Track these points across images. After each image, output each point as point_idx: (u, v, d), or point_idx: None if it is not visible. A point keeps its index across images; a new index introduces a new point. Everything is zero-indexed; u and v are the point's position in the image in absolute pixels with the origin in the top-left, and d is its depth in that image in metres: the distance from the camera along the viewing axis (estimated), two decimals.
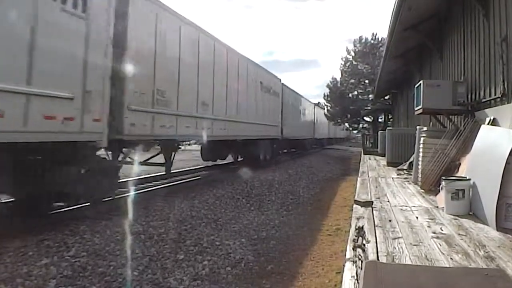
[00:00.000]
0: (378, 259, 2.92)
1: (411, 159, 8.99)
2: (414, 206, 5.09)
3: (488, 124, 5.48)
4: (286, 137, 20.10)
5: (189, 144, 14.93)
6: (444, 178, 4.91)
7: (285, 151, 23.98)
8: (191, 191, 9.03)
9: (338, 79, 34.14)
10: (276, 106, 18.22)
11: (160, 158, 9.61)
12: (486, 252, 3.10)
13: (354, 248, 3.13)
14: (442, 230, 3.82)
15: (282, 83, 19.87)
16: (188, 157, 17.47)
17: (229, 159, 15.79)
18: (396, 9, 8.00)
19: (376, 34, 31.76)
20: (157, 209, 7.04)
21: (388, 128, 14.01)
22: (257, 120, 14.80)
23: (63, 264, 4.22)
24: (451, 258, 2.94)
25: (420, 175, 6.70)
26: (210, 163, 15.07)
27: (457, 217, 4.34)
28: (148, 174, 10.43)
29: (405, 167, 9.72)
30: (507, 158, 3.80)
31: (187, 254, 5.08)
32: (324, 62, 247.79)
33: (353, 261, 2.84)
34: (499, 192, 3.78)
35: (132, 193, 7.73)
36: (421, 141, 7.03)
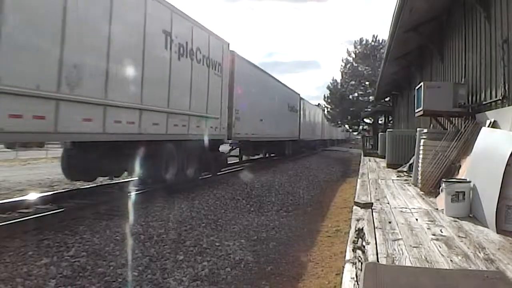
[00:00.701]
0: (378, 260, 2.92)
1: (411, 161, 8.99)
2: (414, 208, 5.08)
3: (488, 126, 5.48)
4: (242, 138, 13.66)
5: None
6: (444, 180, 4.91)
7: (259, 156, 18.67)
8: (191, 192, 9.03)
9: (339, 80, 34.21)
10: (215, 85, 10.63)
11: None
12: (486, 254, 3.09)
13: (354, 250, 3.13)
14: (442, 232, 3.82)
15: (232, 51, 12.10)
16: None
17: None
18: (397, 11, 8.01)
19: (376, 36, 31.84)
20: (157, 210, 7.05)
21: (388, 130, 14.02)
22: (157, 103, 7.83)
23: (63, 264, 4.22)
24: (451, 260, 2.94)
25: (420, 177, 6.70)
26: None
27: (457, 219, 4.34)
28: None
29: (405, 169, 9.73)
30: (508, 160, 3.80)
31: (186, 254, 5.07)
32: (325, 63, 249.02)
33: (353, 263, 2.83)
34: (499, 195, 3.78)
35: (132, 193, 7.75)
36: (422, 143, 7.03)
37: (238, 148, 16.05)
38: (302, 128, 25.17)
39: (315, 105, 34.15)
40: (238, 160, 16.80)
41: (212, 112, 10.58)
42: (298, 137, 23.78)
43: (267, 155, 20.71)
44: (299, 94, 25.11)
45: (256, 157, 19.48)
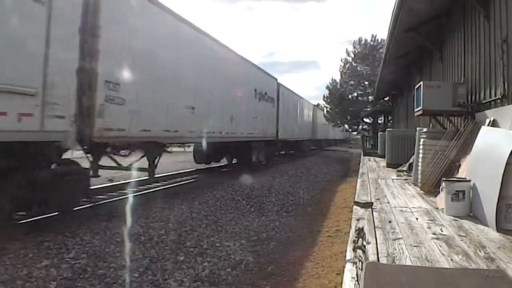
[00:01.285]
0: (378, 260, 2.92)
1: (411, 161, 9.00)
2: (414, 207, 5.08)
3: (488, 125, 5.49)
4: (133, 139, 7.19)
5: None
6: (444, 179, 4.91)
7: (219, 164, 13.81)
8: (191, 193, 9.03)
9: (338, 80, 34.19)
10: (22, 19, 4.62)
11: None
12: (486, 253, 3.09)
13: (354, 249, 3.13)
14: (442, 231, 3.82)
15: None
16: None
17: None
18: (396, 10, 8.01)
19: (375, 36, 31.80)
20: (157, 211, 7.04)
21: (388, 129, 14.02)
22: None
23: (63, 266, 4.21)
24: (451, 259, 2.94)
25: (420, 177, 6.70)
26: None
27: (457, 218, 4.34)
28: None
29: (405, 169, 9.73)
30: (507, 159, 3.80)
31: (187, 255, 5.07)
32: (324, 63, 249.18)
33: (354, 262, 2.84)
34: (499, 193, 3.78)
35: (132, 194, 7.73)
36: (421, 143, 7.03)
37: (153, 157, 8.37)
38: (282, 124, 18.83)
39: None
40: (148, 177, 8.93)
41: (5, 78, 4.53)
42: (275, 137, 17.68)
43: (234, 161, 15.42)
44: (276, 79, 18.20)
45: (215, 165, 14.87)
